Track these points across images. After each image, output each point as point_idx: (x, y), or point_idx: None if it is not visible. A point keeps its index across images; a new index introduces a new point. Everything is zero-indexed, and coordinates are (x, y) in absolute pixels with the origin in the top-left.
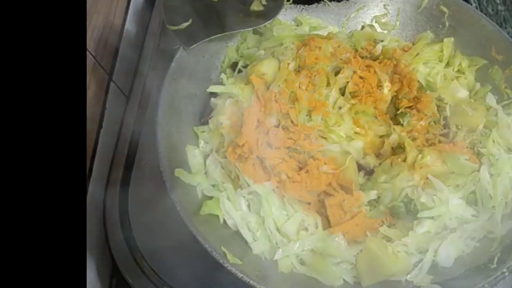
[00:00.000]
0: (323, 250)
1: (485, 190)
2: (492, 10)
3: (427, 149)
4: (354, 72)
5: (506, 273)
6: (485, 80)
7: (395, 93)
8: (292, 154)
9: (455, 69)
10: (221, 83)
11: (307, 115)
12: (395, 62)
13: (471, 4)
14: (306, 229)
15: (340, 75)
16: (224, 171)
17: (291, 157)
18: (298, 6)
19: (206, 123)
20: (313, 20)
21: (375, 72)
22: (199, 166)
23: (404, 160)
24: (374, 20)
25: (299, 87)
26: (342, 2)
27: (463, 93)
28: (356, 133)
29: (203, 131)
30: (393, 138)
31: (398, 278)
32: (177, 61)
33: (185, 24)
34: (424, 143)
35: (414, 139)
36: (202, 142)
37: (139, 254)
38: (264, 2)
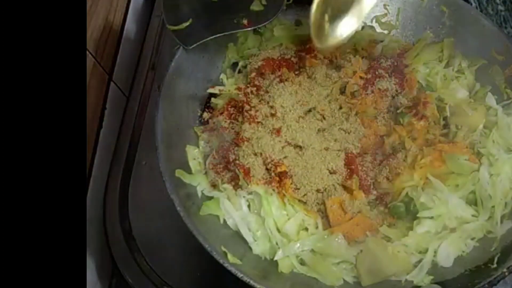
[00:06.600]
0: (323, 250)
1: (484, 190)
2: (492, 10)
3: (427, 149)
4: (354, 72)
5: (506, 273)
6: (485, 80)
7: (395, 93)
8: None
9: (455, 69)
10: (221, 83)
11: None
12: (395, 62)
13: (471, 4)
14: (306, 229)
15: (340, 75)
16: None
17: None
18: (298, 6)
19: (206, 123)
20: None
21: (375, 72)
22: (199, 166)
23: (404, 160)
24: (374, 20)
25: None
26: None
27: (463, 93)
28: None
29: (203, 131)
30: (393, 138)
31: (398, 278)
32: (177, 61)
33: (185, 24)
34: (424, 143)
35: (414, 139)
36: (202, 142)
37: (139, 254)
38: (264, 2)
